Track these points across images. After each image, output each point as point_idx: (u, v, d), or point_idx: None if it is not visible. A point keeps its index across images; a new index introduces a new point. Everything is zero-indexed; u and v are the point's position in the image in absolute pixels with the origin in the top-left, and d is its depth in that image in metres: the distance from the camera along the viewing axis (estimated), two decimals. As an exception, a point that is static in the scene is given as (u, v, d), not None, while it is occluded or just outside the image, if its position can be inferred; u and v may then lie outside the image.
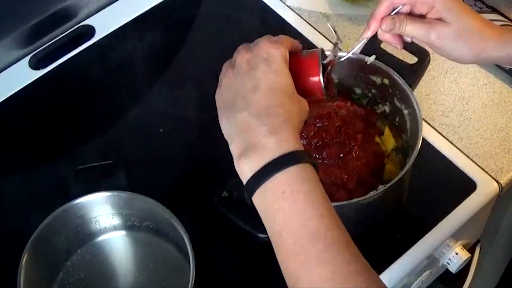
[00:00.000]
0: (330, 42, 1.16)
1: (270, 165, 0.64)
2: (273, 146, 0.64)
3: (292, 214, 0.63)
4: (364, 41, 0.85)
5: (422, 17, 0.82)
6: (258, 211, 0.65)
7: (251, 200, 0.65)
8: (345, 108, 0.98)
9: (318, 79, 0.74)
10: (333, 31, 0.81)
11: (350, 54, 0.85)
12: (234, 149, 0.67)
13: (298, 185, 0.63)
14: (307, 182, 0.64)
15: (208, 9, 1.25)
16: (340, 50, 0.79)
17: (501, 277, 1.40)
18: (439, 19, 0.80)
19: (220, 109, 0.70)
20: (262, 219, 0.65)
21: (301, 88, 0.72)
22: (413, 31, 0.81)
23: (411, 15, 0.82)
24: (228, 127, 0.68)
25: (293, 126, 0.66)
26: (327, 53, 0.78)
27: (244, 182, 0.65)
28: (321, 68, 0.74)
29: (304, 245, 0.62)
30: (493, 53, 0.80)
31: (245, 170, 0.65)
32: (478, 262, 1.12)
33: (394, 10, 0.82)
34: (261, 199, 0.64)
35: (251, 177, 0.64)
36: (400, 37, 0.84)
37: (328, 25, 0.74)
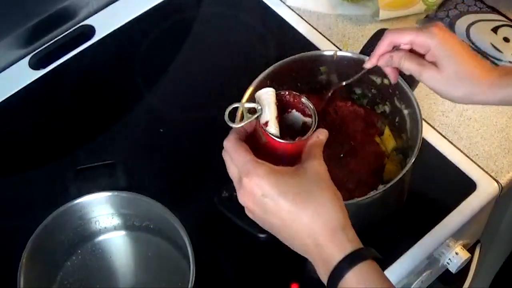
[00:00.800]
0: (331, 42, 1.16)
1: (332, 277, 0.67)
2: (331, 258, 0.67)
3: None
4: (364, 71, 0.89)
5: (422, 56, 0.84)
6: None
7: None
8: (345, 108, 0.98)
9: (276, 143, 0.72)
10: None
11: (349, 81, 0.91)
12: (312, 260, 0.70)
13: (366, 283, 0.66)
14: (363, 284, 0.66)
15: (208, 9, 1.25)
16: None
17: (494, 277, 1.40)
18: (434, 63, 0.83)
19: (271, 232, 0.72)
20: None
21: (280, 154, 0.72)
22: (409, 68, 0.84)
23: (412, 52, 0.85)
24: (298, 251, 0.71)
25: (337, 224, 0.68)
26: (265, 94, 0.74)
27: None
28: (267, 131, 0.72)
29: None
30: (483, 98, 0.83)
31: (323, 280, 0.68)
32: (478, 262, 1.12)
33: (394, 47, 0.85)
34: None
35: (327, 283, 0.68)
36: (396, 71, 0.88)
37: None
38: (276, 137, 0.71)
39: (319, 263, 0.68)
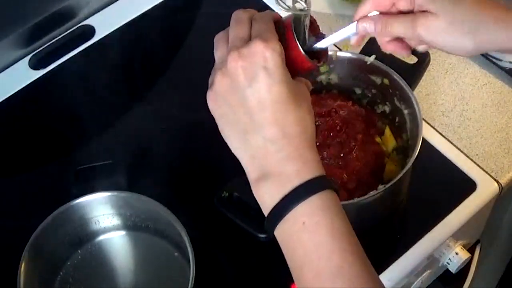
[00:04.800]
0: (330, 42, 1.16)
1: (290, 195, 0.59)
2: (292, 174, 0.60)
3: (313, 248, 0.59)
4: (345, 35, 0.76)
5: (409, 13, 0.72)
6: (278, 242, 0.61)
7: (272, 233, 0.61)
8: (345, 108, 0.98)
9: (298, 52, 0.65)
10: None
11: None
12: (250, 173, 0.62)
13: (320, 216, 0.59)
14: (329, 213, 0.59)
15: (208, 9, 1.24)
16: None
17: (501, 277, 1.40)
18: (426, 11, 0.70)
19: (220, 122, 0.65)
20: (282, 251, 0.61)
21: (291, 65, 0.65)
22: (398, 28, 0.72)
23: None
24: (240, 149, 0.63)
25: (310, 142, 0.62)
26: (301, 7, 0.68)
27: (265, 212, 0.61)
28: (296, 38, 0.66)
29: (325, 282, 0.58)
30: (492, 41, 0.70)
31: (265, 199, 0.61)
32: (478, 262, 1.12)
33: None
34: (280, 230, 0.60)
35: (273, 208, 0.60)
36: (402, 43, 0.75)
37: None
38: (301, 47, 0.65)
39: (271, 176, 0.60)
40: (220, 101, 0.64)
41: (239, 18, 0.66)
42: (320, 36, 0.70)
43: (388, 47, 0.76)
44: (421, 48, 0.76)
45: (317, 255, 0.59)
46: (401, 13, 0.73)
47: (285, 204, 0.59)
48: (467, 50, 0.71)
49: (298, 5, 0.68)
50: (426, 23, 0.70)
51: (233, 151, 0.64)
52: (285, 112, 0.60)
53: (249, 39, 0.62)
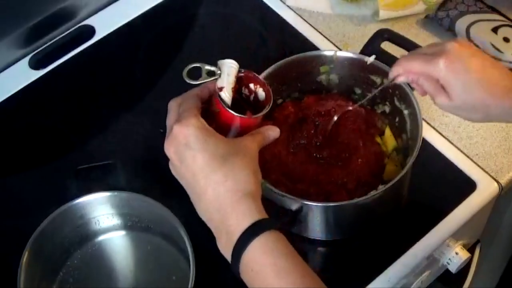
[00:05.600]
0: (331, 42, 1.16)
1: (236, 247, 0.67)
2: (233, 228, 0.68)
3: None
4: (385, 85, 0.90)
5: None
6: None
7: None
8: (346, 108, 0.98)
9: (227, 113, 0.74)
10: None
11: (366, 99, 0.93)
12: (213, 232, 0.72)
13: (263, 260, 0.66)
14: (271, 255, 0.66)
15: (208, 9, 1.24)
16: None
17: (501, 276, 1.40)
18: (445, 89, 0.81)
19: (185, 188, 0.74)
20: None
21: (226, 125, 0.73)
22: (425, 87, 0.83)
23: None
24: (200, 214, 0.73)
25: (243, 191, 0.69)
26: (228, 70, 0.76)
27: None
28: (222, 101, 0.74)
29: None
30: (500, 118, 0.82)
31: (225, 254, 0.70)
32: (478, 262, 1.12)
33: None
34: (243, 278, 0.69)
35: (231, 260, 0.69)
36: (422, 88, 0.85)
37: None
38: (226, 106, 0.73)
39: (222, 234, 0.69)
40: (178, 178, 0.75)
41: (169, 108, 0.76)
42: (261, 84, 0.78)
43: (412, 84, 0.86)
44: None
45: None
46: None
47: (235, 256, 0.68)
48: (476, 121, 0.86)
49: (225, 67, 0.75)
50: (442, 101, 0.81)
51: (196, 209, 0.74)
52: (213, 173, 0.69)
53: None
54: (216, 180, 0.69)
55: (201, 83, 0.75)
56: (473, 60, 0.79)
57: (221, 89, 0.74)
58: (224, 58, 0.77)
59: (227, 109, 0.73)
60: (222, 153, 0.70)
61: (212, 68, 0.75)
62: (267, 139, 0.76)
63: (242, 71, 0.76)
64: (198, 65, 0.75)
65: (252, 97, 0.79)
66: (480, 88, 0.78)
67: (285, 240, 0.68)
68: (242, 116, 0.74)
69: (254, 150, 0.73)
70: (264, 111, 0.75)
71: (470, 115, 0.82)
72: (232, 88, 0.74)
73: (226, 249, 0.69)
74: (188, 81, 0.74)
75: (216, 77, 0.75)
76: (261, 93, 0.78)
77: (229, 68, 0.74)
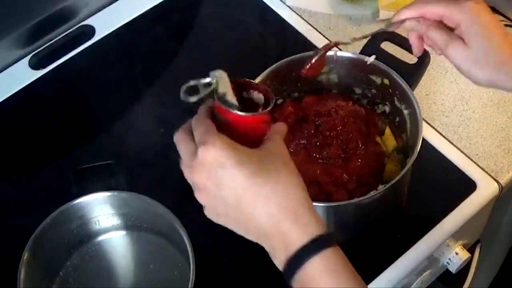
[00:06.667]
0: (330, 42, 1.16)
1: (292, 263, 0.63)
2: (292, 243, 0.63)
3: None
4: (380, 30, 0.86)
5: (451, 29, 0.80)
6: None
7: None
8: (346, 108, 0.98)
9: (238, 116, 0.68)
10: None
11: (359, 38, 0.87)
12: (266, 248, 0.67)
13: (323, 280, 0.62)
14: (331, 275, 0.63)
15: (208, 9, 1.25)
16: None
17: (495, 277, 1.40)
18: (462, 38, 0.78)
19: (223, 224, 0.68)
20: None
21: (245, 131, 0.68)
22: (435, 38, 0.79)
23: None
24: (248, 235, 0.67)
25: (296, 201, 0.64)
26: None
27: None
28: (229, 105, 0.69)
29: None
30: (507, 85, 0.78)
31: (282, 269, 0.65)
32: (478, 262, 1.12)
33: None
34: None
35: (286, 275, 0.64)
36: (421, 41, 0.82)
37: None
38: (237, 108, 0.68)
39: (277, 248, 0.63)
40: (211, 211, 0.67)
41: (178, 140, 0.69)
42: (256, 87, 0.72)
43: (411, 36, 0.83)
44: (437, 53, 0.83)
45: None
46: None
47: (292, 270, 0.63)
48: (477, 81, 0.79)
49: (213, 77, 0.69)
50: (458, 49, 0.77)
51: (245, 237, 0.68)
52: (260, 188, 0.63)
53: (195, 150, 0.65)
54: (265, 194, 0.63)
55: (201, 97, 0.70)
56: (495, 17, 0.78)
57: (224, 95, 0.69)
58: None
59: (238, 113, 0.67)
60: (261, 165, 0.64)
61: (207, 80, 0.71)
62: (283, 136, 0.70)
63: (232, 79, 0.73)
64: (192, 83, 0.72)
65: (250, 102, 0.76)
66: (502, 42, 0.76)
67: (344, 258, 0.64)
68: (254, 114, 0.68)
69: (285, 152, 0.67)
70: (272, 104, 0.70)
71: (481, 71, 0.77)
72: (233, 88, 0.72)
73: (280, 262, 0.64)
74: (187, 99, 0.69)
75: (213, 86, 0.71)
76: (257, 96, 0.75)
77: (221, 74, 0.72)
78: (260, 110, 0.69)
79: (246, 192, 0.63)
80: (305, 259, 0.62)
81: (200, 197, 0.67)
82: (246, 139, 0.67)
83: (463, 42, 0.77)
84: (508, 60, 0.77)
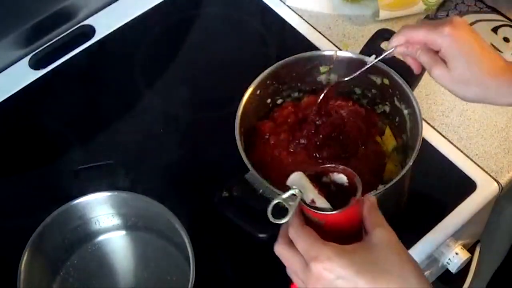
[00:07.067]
0: (331, 42, 1.16)
1: None
2: None
3: None
4: (369, 64, 0.91)
5: (436, 52, 0.83)
6: None
7: None
8: (346, 108, 0.98)
9: (334, 216, 0.67)
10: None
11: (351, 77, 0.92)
12: None
13: None
14: None
15: (208, 9, 1.25)
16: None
17: (492, 275, 1.40)
18: (445, 61, 0.82)
19: None
20: None
21: (345, 228, 0.68)
22: (423, 61, 0.84)
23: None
24: None
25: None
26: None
27: None
28: (321, 209, 0.68)
29: None
30: (494, 101, 0.82)
31: None
32: (478, 262, 1.12)
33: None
34: None
35: None
36: (418, 62, 0.87)
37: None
38: (331, 210, 0.67)
39: None
40: None
41: (280, 253, 0.69)
42: (334, 170, 0.71)
43: (407, 59, 0.89)
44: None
45: None
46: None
47: None
48: (465, 99, 0.84)
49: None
50: (440, 71, 0.82)
51: None
52: None
53: (304, 262, 0.65)
54: None
55: (291, 215, 0.68)
56: (475, 36, 0.81)
57: (313, 202, 0.68)
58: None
59: (333, 212, 0.67)
60: (380, 265, 0.64)
61: (290, 193, 0.68)
62: (378, 209, 0.71)
63: (309, 174, 0.71)
64: (277, 201, 0.69)
65: (332, 187, 0.73)
66: (480, 62, 0.80)
67: None
68: (349, 205, 0.67)
69: (395, 239, 0.68)
70: (359, 186, 0.69)
71: (465, 90, 0.82)
72: (318, 192, 0.69)
73: None
74: (278, 222, 0.68)
75: (300, 197, 0.68)
76: (337, 176, 0.72)
77: (300, 181, 0.69)
78: (352, 199, 0.68)
79: None
80: None
81: None
82: (345, 230, 0.68)
83: (446, 64, 0.82)
84: (492, 78, 0.80)
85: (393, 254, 0.65)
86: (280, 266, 0.95)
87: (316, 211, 0.67)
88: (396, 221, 0.97)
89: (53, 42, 1.20)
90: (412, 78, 0.95)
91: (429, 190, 1.00)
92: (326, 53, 0.99)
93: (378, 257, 0.64)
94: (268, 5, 1.22)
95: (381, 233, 0.67)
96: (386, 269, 0.64)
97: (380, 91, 0.98)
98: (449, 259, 1.02)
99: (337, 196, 0.70)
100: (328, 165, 0.71)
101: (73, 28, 1.21)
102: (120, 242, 0.97)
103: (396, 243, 0.67)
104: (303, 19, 1.20)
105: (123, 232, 0.97)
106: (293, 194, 0.68)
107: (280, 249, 0.69)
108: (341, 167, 0.71)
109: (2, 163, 1.08)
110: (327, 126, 0.95)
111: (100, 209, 0.94)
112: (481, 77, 0.80)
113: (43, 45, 1.19)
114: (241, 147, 0.90)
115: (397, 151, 0.97)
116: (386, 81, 0.96)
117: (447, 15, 1.16)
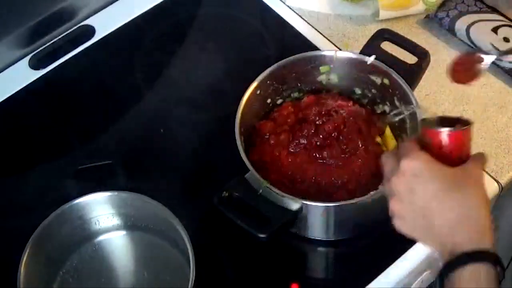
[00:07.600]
0: (331, 42, 1.16)
1: (448, 264, 0.70)
2: (458, 247, 0.70)
3: None
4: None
5: None
6: None
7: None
8: (346, 108, 0.98)
9: (446, 132, 0.75)
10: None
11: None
12: (441, 252, 0.73)
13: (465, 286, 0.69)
14: (471, 285, 0.69)
15: (208, 9, 1.24)
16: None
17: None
18: None
19: (408, 233, 0.75)
20: None
21: (449, 152, 0.75)
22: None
23: None
24: (428, 241, 0.75)
25: (475, 219, 0.71)
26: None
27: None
28: (429, 123, 0.77)
29: None
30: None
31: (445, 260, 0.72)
32: (478, 262, 1.11)
33: None
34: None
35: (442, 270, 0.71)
36: None
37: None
38: (438, 126, 0.75)
39: (445, 251, 0.71)
40: (399, 219, 0.75)
41: (385, 159, 0.77)
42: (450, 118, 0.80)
43: None
44: None
45: None
46: None
47: (445, 271, 0.71)
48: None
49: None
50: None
51: (421, 242, 0.78)
52: (445, 200, 0.71)
53: (397, 163, 0.74)
54: (450, 207, 0.71)
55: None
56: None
57: (424, 120, 0.79)
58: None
59: (451, 129, 0.75)
60: (452, 181, 0.71)
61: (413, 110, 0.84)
62: (486, 161, 0.78)
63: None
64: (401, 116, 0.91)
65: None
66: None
67: (494, 279, 0.70)
68: (466, 127, 0.77)
69: (480, 175, 0.74)
70: (471, 121, 0.78)
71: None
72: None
73: (443, 264, 0.71)
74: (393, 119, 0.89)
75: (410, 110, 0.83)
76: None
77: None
78: (459, 126, 0.77)
79: (432, 203, 0.71)
80: (461, 264, 0.69)
81: (393, 204, 0.74)
82: (446, 159, 0.74)
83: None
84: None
85: (470, 179, 0.72)
86: (280, 266, 0.95)
87: (433, 128, 0.75)
88: (396, 221, 0.97)
89: (53, 42, 1.19)
90: (412, 78, 0.95)
91: (429, 190, 1.00)
92: (326, 53, 0.99)
93: (456, 176, 0.72)
94: (268, 5, 1.22)
95: (473, 165, 0.74)
96: (458, 186, 0.71)
97: (380, 91, 0.98)
98: (449, 259, 1.02)
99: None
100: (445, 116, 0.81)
101: (73, 28, 1.21)
102: (120, 242, 0.97)
103: (479, 176, 0.74)
104: (303, 19, 1.20)
105: (123, 232, 0.97)
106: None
107: (384, 156, 0.77)
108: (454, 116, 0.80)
109: (2, 163, 1.08)
110: (327, 126, 0.95)
111: (100, 209, 0.94)
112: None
113: (43, 45, 1.19)
114: (241, 147, 0.90)
115: (397, 151, 0.97)
116: (386, 81, 0.96)
117: (447, 15, 1.16)
